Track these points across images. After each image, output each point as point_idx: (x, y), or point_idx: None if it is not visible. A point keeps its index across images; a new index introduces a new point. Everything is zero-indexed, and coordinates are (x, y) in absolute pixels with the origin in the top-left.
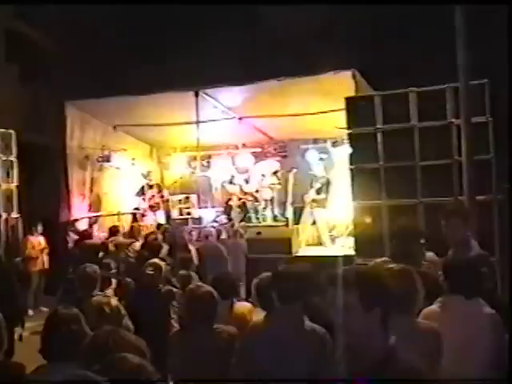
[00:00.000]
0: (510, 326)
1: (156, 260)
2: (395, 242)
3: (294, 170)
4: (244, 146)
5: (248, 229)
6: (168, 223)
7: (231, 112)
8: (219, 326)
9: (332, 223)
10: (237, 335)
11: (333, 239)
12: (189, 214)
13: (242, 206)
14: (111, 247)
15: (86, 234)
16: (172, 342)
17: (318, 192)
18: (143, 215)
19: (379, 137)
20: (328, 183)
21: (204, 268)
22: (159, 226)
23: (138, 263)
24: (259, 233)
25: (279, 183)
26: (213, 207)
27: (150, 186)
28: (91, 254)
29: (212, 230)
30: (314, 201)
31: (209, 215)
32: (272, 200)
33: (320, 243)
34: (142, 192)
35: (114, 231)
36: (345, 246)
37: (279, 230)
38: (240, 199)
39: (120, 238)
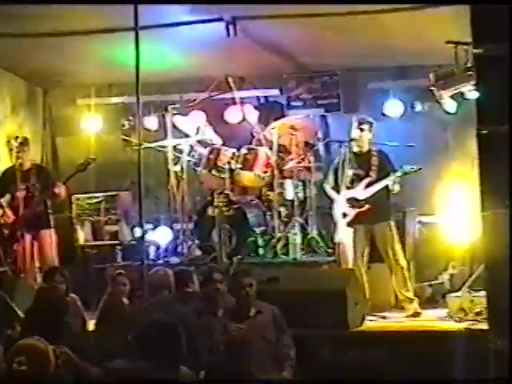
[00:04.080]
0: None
1: (34, 341)
2: None
3: (356, 138)
4: (242, 82)
5: (251, 270)
6: (68, 262)
7: (214, 8)
8: None
9: (426, 257)
10: None
11: (432, 296)
12: (115, 235)
13: (238, 219)
14: None
15: None
16: None
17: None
18: (10, 237)
19: None
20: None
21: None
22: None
23: None
24: (274, 279)
25: (320, 167)
26: (172, 222)
27: (25, 174)
28: None
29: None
30: (377, 204)
31: (162, 238)
32: (303, 204)
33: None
34: (4, 185)
35: None
36: (467, 312)
37: (320, 273)
38: (231, 202)
39: None
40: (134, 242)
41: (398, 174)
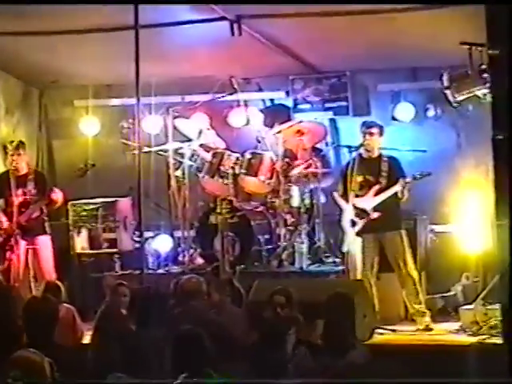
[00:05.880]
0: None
1: (29, 353)
2: None
3: (366, 143)
4: (246, 84)
5: (254, 280)
6: (64, 270)
7: (218, 7)
8: None
9: (438, 268)
10: None
11: (444, 308)
12: (112, 243)
13: (241, 226)
14: None
15: None
16: None
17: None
18: (3, 244)
19: None
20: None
21: None
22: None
23: None
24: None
25: (328, 173)
26: (173, 229)
27: (21, 179)
28: None
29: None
30: (387, 212)
31: (162, 246)
32: (310, 212)
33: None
34: None
35: None
36: (480, 325)
37: (327, 284)
38: (235, 209)
39: None
40: (132, 250)
41: (407, 179)
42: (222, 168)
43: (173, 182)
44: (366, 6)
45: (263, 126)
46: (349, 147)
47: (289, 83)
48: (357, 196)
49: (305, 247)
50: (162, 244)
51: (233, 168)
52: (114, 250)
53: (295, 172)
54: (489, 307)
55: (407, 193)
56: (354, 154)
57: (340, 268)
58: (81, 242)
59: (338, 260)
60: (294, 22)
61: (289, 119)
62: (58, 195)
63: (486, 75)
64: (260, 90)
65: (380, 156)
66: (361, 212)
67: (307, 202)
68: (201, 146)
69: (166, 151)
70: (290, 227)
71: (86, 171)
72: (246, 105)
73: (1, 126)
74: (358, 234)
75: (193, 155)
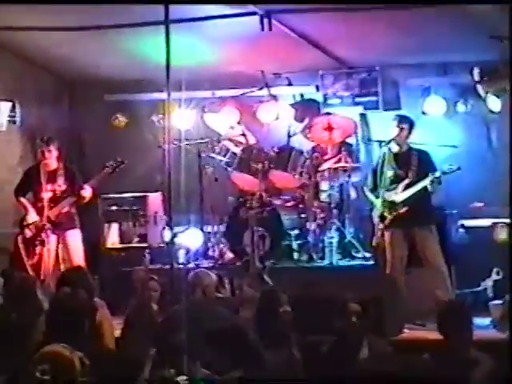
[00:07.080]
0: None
1: (59, 348)
2: None
3: (396, 137)
4: (277, 78)
5: (284, 274)
6: (95, 264)
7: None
8: None
9: (468, 263)
10: None
11: (474, 303)
12: (143, 238)
13: (271, 221)
14: None
15: None
16: None
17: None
18: (33, 238)
19: None
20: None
21: None
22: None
23: None
24: (310, 285)
25: (358, 168)
26: (203, 224)
27: (51, 174)
28: None
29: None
30: (417, 206)
31: (192, 241)
32: (340, 207)
33: None
34: (27, 184)
35: None
36: None
37: (358, 280)
38: (265, 204)
39: None
40: (162, 245)
41: (437, 174)
42: (251, 163)
43: (203, 177)
44: None
45: (293, 121)
46: (379, 142)
47: (319, 78)
48: (387, 190)
49: (335, 242)
50: (192, 239)
51: (262, 163)
52: (145, 244)
53: (325, 167)
54: None
55: (437, 187)
56: (385, 148)
57: (370, 263)
58: (111, 237)
59: (367, 255)
60: (324, 17)
61: (319, 114)
62: (87, 191)
63: None
64: (290, 84)
65: (410, 150)
66: (390, 206)
67: (337, 196)
68: (231, 140)
69: (196, 146)
70: (320, 222)
71: (114, 169)
72: (275, 99)
73: (31, 120)
74: (387, 228)
75: (223, 150)
